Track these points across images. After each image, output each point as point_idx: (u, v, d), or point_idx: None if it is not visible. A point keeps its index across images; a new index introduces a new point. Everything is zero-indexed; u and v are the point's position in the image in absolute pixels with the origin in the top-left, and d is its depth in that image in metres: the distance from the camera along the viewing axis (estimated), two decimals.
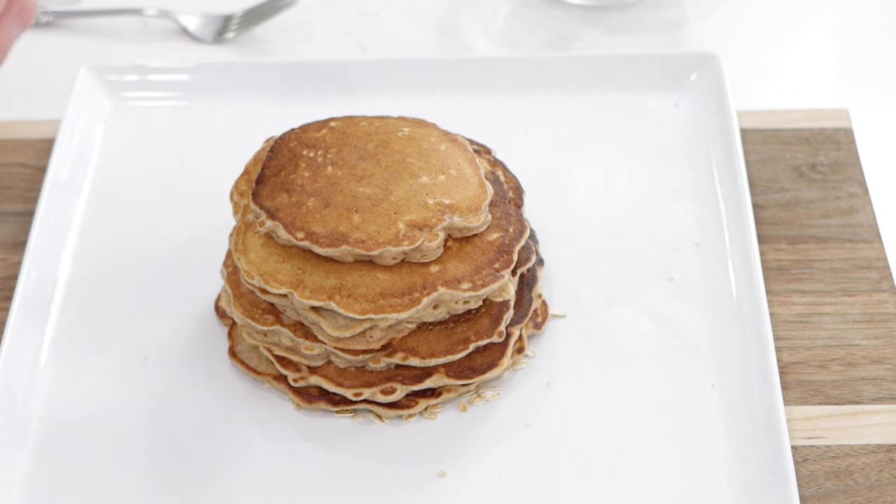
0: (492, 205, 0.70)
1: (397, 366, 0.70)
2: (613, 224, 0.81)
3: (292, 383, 0.71)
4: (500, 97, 0.88)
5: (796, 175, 0.84)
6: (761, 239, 0.80)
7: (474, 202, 0.69)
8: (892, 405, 0.72)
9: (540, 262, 0.77)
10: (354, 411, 0.72)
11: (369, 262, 0.68)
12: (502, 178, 0.73)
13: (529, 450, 0.70)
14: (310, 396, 0.71)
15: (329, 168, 0.70)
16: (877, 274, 0.78)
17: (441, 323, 0.70)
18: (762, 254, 0.79)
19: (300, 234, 0.67)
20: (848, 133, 0.86)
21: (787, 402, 0.71)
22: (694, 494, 0.68)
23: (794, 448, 0.69)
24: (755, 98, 0.84)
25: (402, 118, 0.74)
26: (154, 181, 0.84)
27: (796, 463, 0.69)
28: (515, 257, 0.69)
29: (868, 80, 0.94)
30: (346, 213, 0.68)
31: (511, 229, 0.70)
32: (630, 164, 0.84)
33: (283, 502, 0.68)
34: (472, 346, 0.70)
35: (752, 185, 0.83)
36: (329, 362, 0.71)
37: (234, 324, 0.74)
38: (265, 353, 0.71)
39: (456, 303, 0.68)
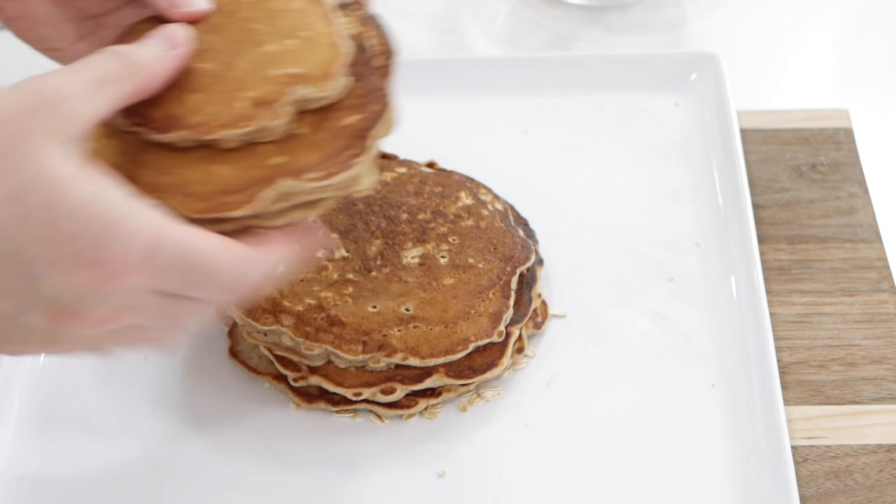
0: (355, 75, 0.61)
1: (397, 366, 0.70)
2: (613, 224, 0.81)
3: (292, 383, 0.71)
4: (500, 97, 0.88)
5: (796, 175, 0.84)
6: (761, 239, 0.80)
7: (328, 67, 0.60)
8: (892, 405, 0.72)
9: (540, 261, 0.77)
10: (354, 411, 0.72)
11: (209, 149, 0.59)
12: (371, 41, 0.63)
13: (529, 450, 0.70)
14: (310, 396, 0.71)
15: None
16: (877, 274, 0.78)
17: (441, 323, 0.70)
18: (762, 254, 0.79)
19: (135, 119, 0.59)
20: (848, 133, 0.86)
21: (787, 402, 0.71)
22: (694, 494, 0.68)
23: (794, 448, 0.69)
24: (755, 98, 0.84)
25: None
26: None
27: (796, 463, 0.69)
28: (374, 145, 0.60)
29: (868, 80, 0.94)
30: (184, 94, 0.59)
31: (371, 108, 0.60)
32: (630, 164, 0.84)
33: (283, 502, 0.68)
34: (471, 346, 0.70)
35: (752, 185, 0.83)
36: (329, 362, 0.71)
37: (234, 324, 0.74)
38: (265, 352, 0.71)
39: (298, 196, 0.58)
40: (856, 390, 0.72)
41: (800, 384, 0.73)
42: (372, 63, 0.62)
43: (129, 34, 0.62)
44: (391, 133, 0.61)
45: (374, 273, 0.72)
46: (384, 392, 0.70)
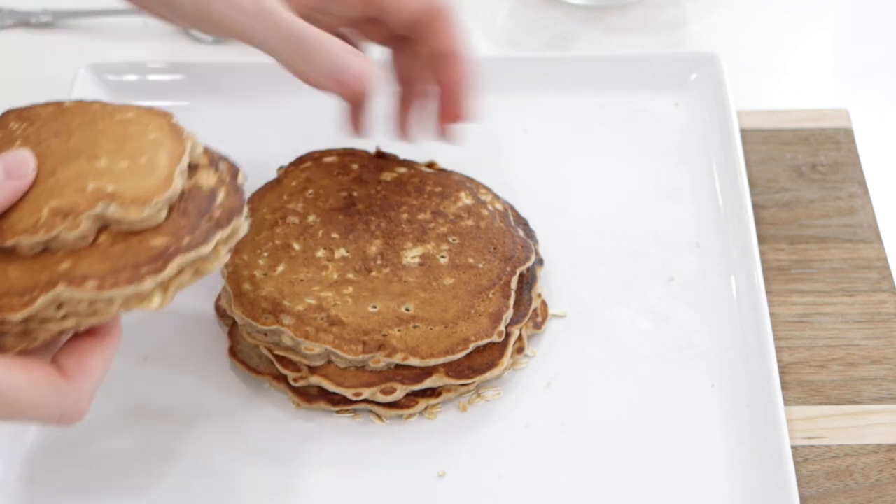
0: (179, 211, 0.60)
1: (397, 366, 0.70)
2: (613, 224, 0.81)
3: (292, 383, 0.71)
4: (500, 97, 0.88)
5: (796, 175, 0.84)
6: (761, 239, 0.80)
7: (146, 194, 0.59)
8: (892, 405, 0.72)
9: (539, 261, 0.77)
10: (354, 411, 0.72)
11: (10, 253, 0.59)
12: (221, 198, 0.62)
13: (529, 450, 0.70)
14: (309, 396, 0.71)
15: (17, 142, 0.62)
16: (877, 274, 0.78)
17: (441, 323, 0.70)
18: (762, 254, 0.79)
19: None
20: (848, 133, 0.86)
21: (787, 402, 0.71)
22: (694, 494, 0.68)
23: (794, 448, 0.69)
24: (755, 98, 0.84)
25: (152, 110, 0.66)
26: None
27: (796, 463, 0.69)
28: (171, 270, 0.58)
29: (868, 80, 0.94)
30: None
31: (185, 241, 0.59)
32: (630, 164, 0.84)
33: (283, 502, 0.68)
34: (471, 346, 0.70)
35: (752, 185, 0.83)
36: (329, 362, 0.71)
37: (234, 324, 0.74)
38: (265, 352, 0.71)
39: (79, 304, 0.58)
40: (856, 390, 0.72)
41: (800, 384, 0.73)
42: (209, 212, 0.62)
43: None
44: (197, 278, 0.60)
45: (374, 273, 0.72)
46: (384, 392, 0.70)
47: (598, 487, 0.68)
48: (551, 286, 0.78)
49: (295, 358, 0.71)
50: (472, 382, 0.71)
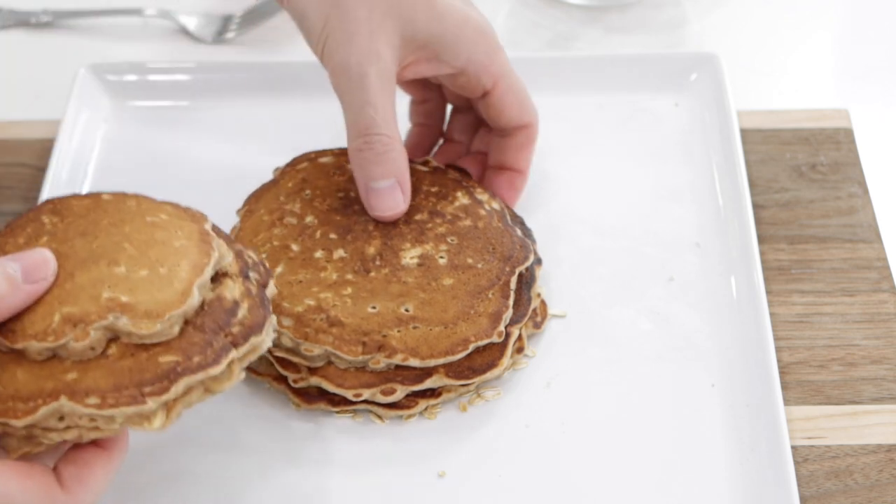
0: (195, 326, 0.60)
1: (397, 366, 0.70)
2: (613, 224, 0.81)
3: (292, 384, 0.71)
4: None
5: (796, 175, 0.84)
6: (761, 239, 0.80)
7: (160, 308, 0.59)
8: (892, 405, 0.72)
9: (538, 261, 0.77)
10: (354, 412, 0.72)
11: (21, 354, 0.59)
12: (243, 313, 0.62)
13: (529, 450, 0.70)
14: (309, 397, 0.71)
15: (44, 239, 0.62)
16: (877, 274, 0.78)
17: (441, 324, 0.70)
18: (762, 254, 0.79)
19: None
20: (848, 133, 0.86)
21: (787, 402, 0.71)
22: (694, 494, 0.68)
23: (794, 448, 0.69)
24: (755, 98, 0.84)
25: (187, 212, 0.65)
26: (154, 181, 0.84)
27: (796, 463, 0.69)
28: (178, 389, 0.58)
29: (868, 80, 0.94)
30: None
31: (196, 360, 0.59)
32: (630, 164, 0.84)
33: (283, 502, 0.68)
34: (471, 347, 0.70)
35: (752, 185, 0.83)
36: (329, 363, 0.71)
37: None
38: (266, 354, 0.71)
39: (80, 418, 0.58)
40: (856, 390, 0.72)
41: (800, 384, 0.73)
42: (227, 328, 0.61)
43: (33, 220, 0.63)
44: (207, 396, 0.60)
45: (372, 273, 0.72)
46: (384, 393, 0.70)
47: (598, 487, 0.68)
48: (551, 286, 0.78)
49: (295, 359, 0.70)
50: (472, 382, 0.71)
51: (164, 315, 0.58)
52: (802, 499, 0.67)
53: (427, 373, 0.70)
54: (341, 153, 0.79)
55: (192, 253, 0.61)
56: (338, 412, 0.72)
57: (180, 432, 0.71)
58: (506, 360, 0.71)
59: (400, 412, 0.71)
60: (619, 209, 0.82)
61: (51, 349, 0.58)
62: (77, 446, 0.60)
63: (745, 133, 0.86)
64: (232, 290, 0.62)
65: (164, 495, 0.68)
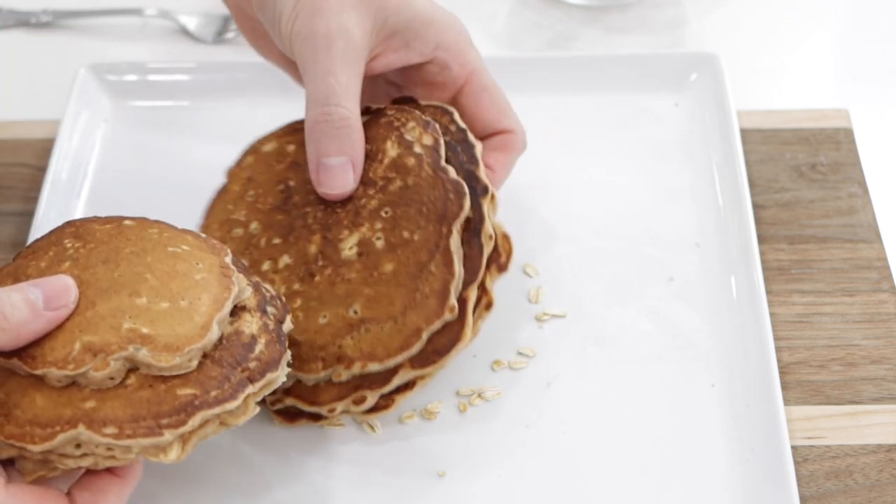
0: (214, 360, 0.61)
1: (362, 374, 0.69)
2: (613, 224, 0.81)
3: (269, 407, 0.70)
4: None
5: (796, 175, 0.84)
6: (761, 239, 0.80)
7: (179, 341, 0.59)
8: (892, 405, 0.72)
9: (484, 190, 0.71)
10: (339, 423, 0.71)
11: (40, 380, 0.59)
12: (260, 348, 0.62)
13: (529, 450, 0.70)
14: (291, 415, 0.70)
15: (66, 264, 0.62)
16: (877, 274, 0.78)
17: (390, 318, 0.68)
18: (762, 254, 0.79)
19: None
20: (848, 133, 0.86)
21: (787, 402, 0.71)
22: (694, 494, 0.68)
23: (794, 448, 0.69)
24: (755, 98, 0.84)
25: (208, 243, 0.65)
26: (154, 181, 0.84)
27: (796, 463, 0.69)
28: (195, 423, 0.59)
29: (868, 80, 0.94)
30: None
31: (213, 394, 0.59)
32: (630, 165, 0.84)
33: (284, 503, 0.68)
34: (425, 335, 0.68)
35: (752, 185, 0.83)
36: (298, 381, 0.69)
37: None
38: None
39: (97, 447, 0.58)
40: (856, 390, 0.72)
41: (800, 384, 0.73)
42: (245, 363, 0.61)
43: (56, 244, 0.63)
44: (223, 430, 0.61)
45: (317, 277, 0.70)
46: (356, 402, 0.68)
47: (598, 487, 0.68)
48: (551, 286, 0.78)
49: None
50: (440, 364, 0.69)
51: (184, 349, 0.59)
52: (802, 499, 0.67)
53: (392, 371, 0.68)
54: (284, 134, 0.77)
55: (212, 287, 0.62)
56: (323, 425, 0.71)
57: None
58: (468, 330, 0.68)
59: (382, 413, 0.69)
60: (619, 209, 0.82)
61: (70, 377, 0.59)
62: (91, 472, 0.60)
63: (745, 133, 0.86)
64: (250, 324, 0.63)
65: (162, 495, 0.68)
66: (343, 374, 0.68)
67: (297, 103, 0.86)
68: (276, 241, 0.72)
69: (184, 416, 0.59)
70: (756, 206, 0.82)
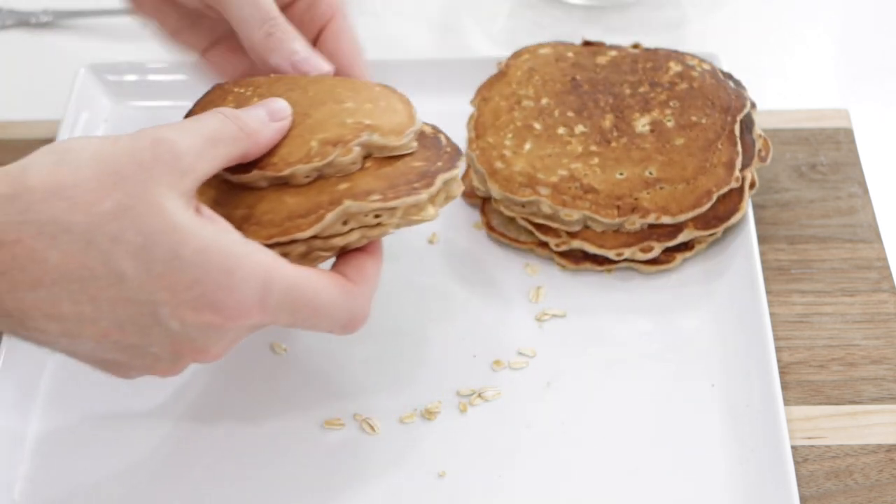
0: (423, 143, 0.67)
1: (650, 225, 0.76)
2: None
3: (555, 248, 0.77)
4: None
5: (796, 175, 0.84)
6: (761, 239, 0.80)
7: (398, 126, 0.65)
8: (892, 405, 0.72)
9: (753, 105, 0.81)
10: (617, 269, 0.78)
11: (283, 186, 0.64)
12: (444, 141, 0.69)
13: (529, 450, 0.70)
14: (576, 258, 0.77)
15: (255, 99, 0.66)
16: (877, 274, 0.78)
17: (683, 181, 0.76)
18: (762, 254, 0.79)
19: None
20: (848, 133, 0.86)
21: (787, 402, 0.71)
22: (694, 494, 0.68)
23: (794, 448, 0.69)
24: (755, 98, 0.84)
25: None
26: None
27: (796, 463, 0.69)
28: (439, 184, 0.65)
29: (868, 80, 0.94)
30: None
31: (440, 163, 0.66)
32: None
33: (284, 501, 0.68)
34: (714, 197, 0.76)
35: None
36: (586, 227, 0.76)
37: (484, 201, 0.80)
38: (523, 223, 0.77)
39: (365, 215, 0.64)
40: (856, 390, 0.72)
41: (800, 384, 0.73)
42: (442, 150, 0.67)
43: (222, 97, 0.67)
44: (448, 202, 0.66)
45: (613, 144, 0.78)
46: (643, 250, 0.76)
47: (598, 487, 0.68)
48: (551, 286, 0.78)
49: (553, 225, 0.77)
50: (719, 231, 0.77)
51: (405, 131, 0.65)
52: (802, 499, 0.67)
53: (678, 228, 0.76)
54: (557, 45, 0.85)
55: (392, 94, 0.68)
56: (604, 271, 0.78)
57: (179, 441, 0.71)
58: (745, 205, 0.77)
59: (660, 267, 0.77)
60: None
61: (317, 168, 0.63)
62: (345, 254, 0.65)
63: None
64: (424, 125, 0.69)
65: (161, 495, 0.68)
66: (637, 223, 0.76)
67: None
68: (570, 114, 0.80)
69: (429, 179, 0.65)
70: (756, 206, 0.82)
